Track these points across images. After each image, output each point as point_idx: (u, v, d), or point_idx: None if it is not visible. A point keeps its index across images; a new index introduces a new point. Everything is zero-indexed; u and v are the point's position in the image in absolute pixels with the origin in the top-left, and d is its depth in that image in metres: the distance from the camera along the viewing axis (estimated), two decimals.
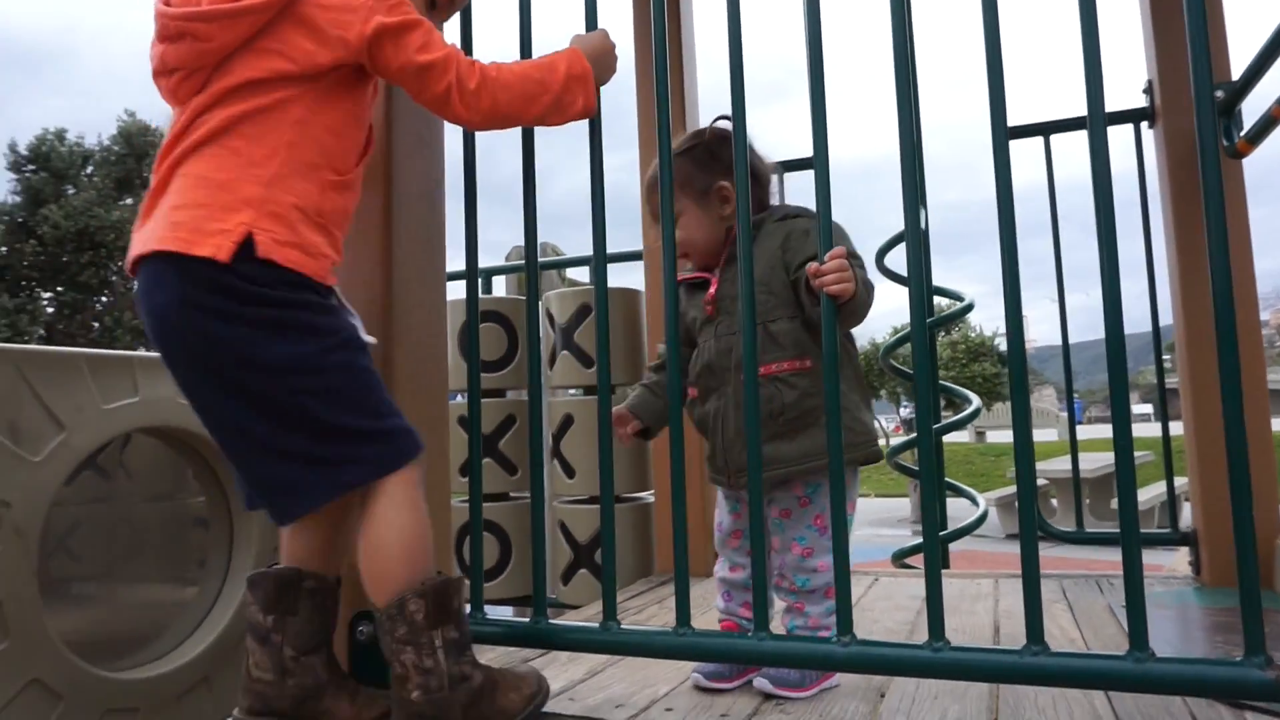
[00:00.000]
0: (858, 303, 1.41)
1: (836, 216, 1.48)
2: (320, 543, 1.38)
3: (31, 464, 1.84)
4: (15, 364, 1.84)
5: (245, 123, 1.26)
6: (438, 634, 1.27)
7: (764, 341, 1.56)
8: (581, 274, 4.27)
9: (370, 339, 1.38)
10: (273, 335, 1.23)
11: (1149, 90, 2.58)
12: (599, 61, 1.49)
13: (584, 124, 1.55)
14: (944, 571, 2.90)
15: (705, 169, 1.65)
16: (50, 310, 19.67)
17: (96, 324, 19.79)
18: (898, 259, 3.18)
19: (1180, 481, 2.80)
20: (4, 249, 19.05)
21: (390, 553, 1.28)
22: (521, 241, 1.63)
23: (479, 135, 1.63)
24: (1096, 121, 1.22)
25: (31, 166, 19.80)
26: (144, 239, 1.25)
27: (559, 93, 1.42)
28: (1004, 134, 1.27)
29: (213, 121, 1.27)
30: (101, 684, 1.93)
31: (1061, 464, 8.12)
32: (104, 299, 20.23)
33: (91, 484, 2.20)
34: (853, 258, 1.48)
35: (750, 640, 1.34)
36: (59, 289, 19.49)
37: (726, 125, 1.67)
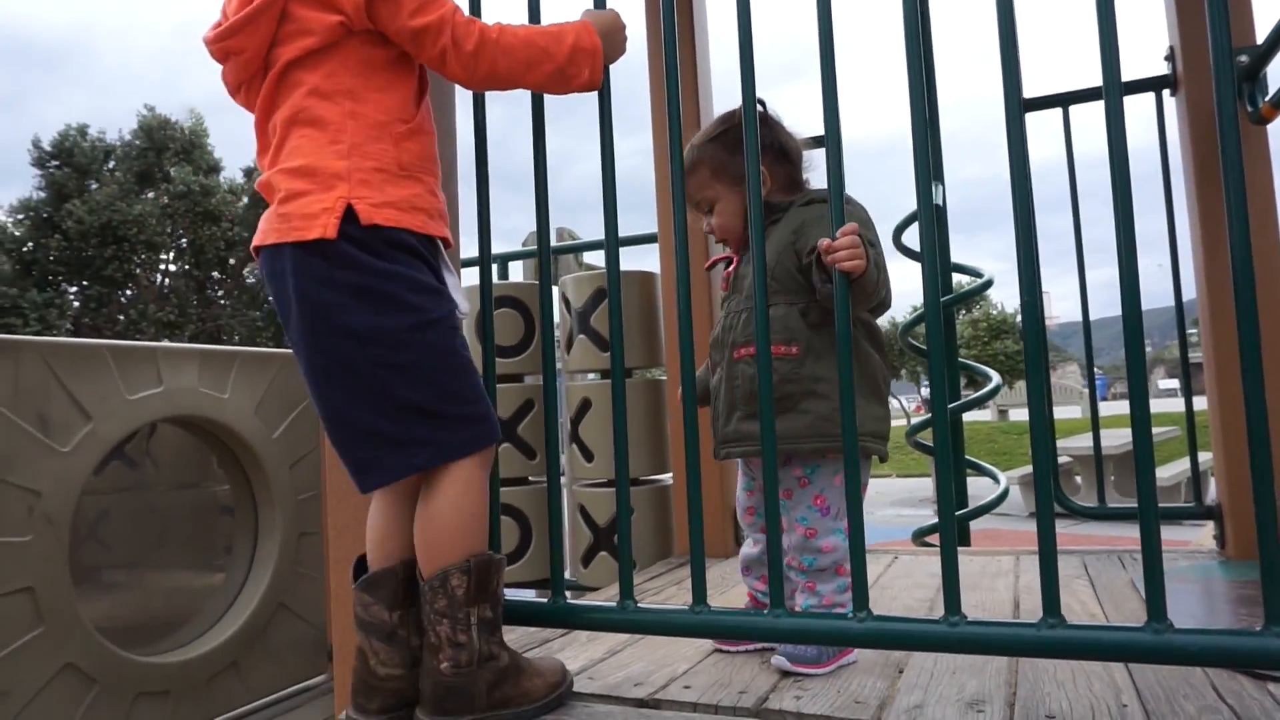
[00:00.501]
0: (867, 281, 1.40)
1: (854, 195, 1.47)
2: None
3: (61, 454, 1.88)
4: (42, 356, 1.87)
5: (307, 109, 1.32)
6: (474, 611, 1.30)
7: (757, 323, 1.58)
8: (599, 258, 4.27)
9: (464, 307, 1.40)
10: (364, 303, 1.27)
11: (1170, 57, 2.53)
12: (609, 39, 1.48)
13: (597, 108, 1.55)
14: (965, 549, 2.89)
15: (737, 153, 1.63)
16: (77, 304, 19.94)
17: (122, 316, 20.04)
18: (916, 236, 3.16)
19: (1205, 456, 2.77)
20: (31, 244, 19.30)
21: (445, 527, 1.31)
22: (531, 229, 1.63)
23: (494, 122, 1.64)
24: (1112, 89, 1.20)
25: (55, 162, 20.02)
26: (263, 232, 1.33)
27: (563, 63, 1.41)
28: (1018, 105, 1.25)
29: (283, 114, 1.33)
30: (133, 668, 1.98)
31: (1085, 441, 8.04)
32: (129, 292, 20.47)
33: (120, 473, 2.25)
34: (868, 243, 1.47)
35: (766, 617, 1.35)
36: (85, 283, 19.75)
37: (760, 108, 1.67)
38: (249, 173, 21.38)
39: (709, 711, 1.36)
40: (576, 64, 1.42)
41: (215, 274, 21.36)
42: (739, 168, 1.62)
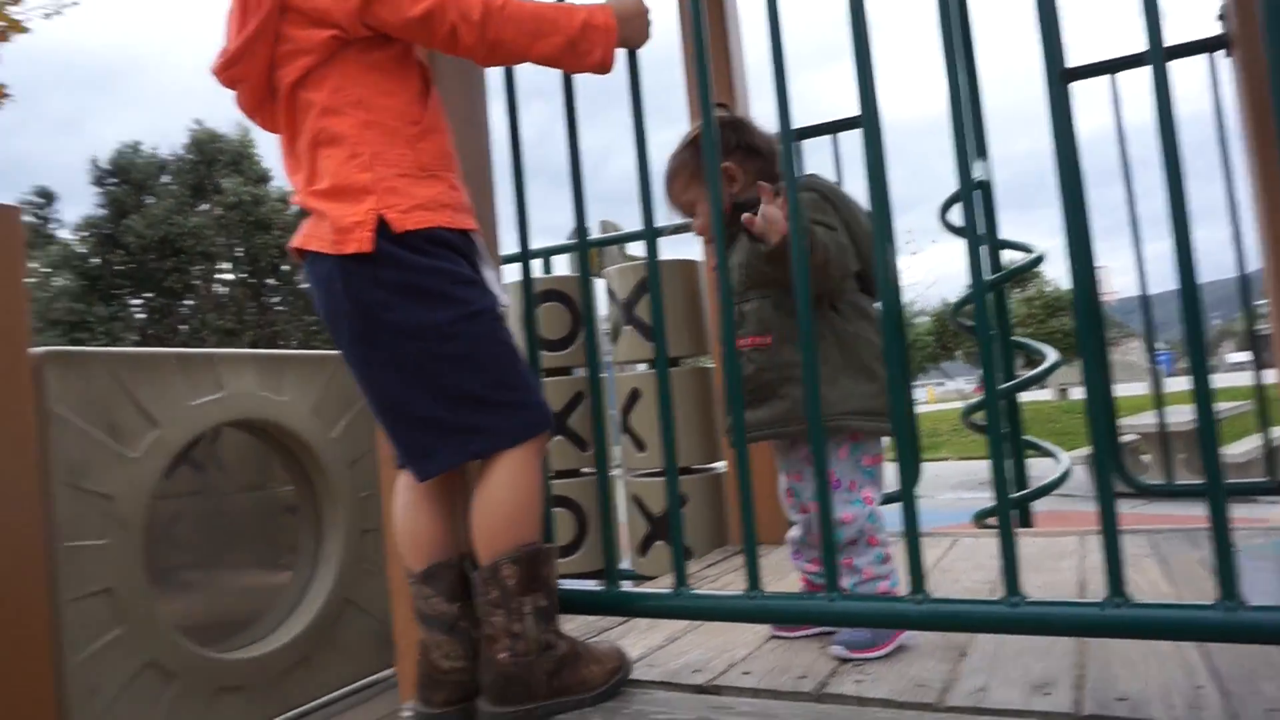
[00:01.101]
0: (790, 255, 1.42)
1: (899, 174, 1.46)
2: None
3: (131, 460, 1.94)
4: (110, 366, 1.94)
5: (323, 129, 1.34)
6: (528, 600, 1.32)
7: (736, 319, 1.66)
8: (642, 249, 4.29)
9: (504, 299, 1.43)
10: (410, 300, 1.30)
11: (1224, 16, 2.45)
12: (628, 23, 1.46)
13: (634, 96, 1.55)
14: (1028, 530, 2.84)
15: (724, 152, 1.67)
16: (141, 316, 20.58)
17: (184, 326, 20.63)
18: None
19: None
20: (97, 260, 19.97)
21: (497, 517, 1.33)
22: (571, 223, 1.64)
23: (533, 119, 1.65)
24: (1157, 52, 1.17)
25: (113, 180, 20.66)
26: (305, 236, 1.37)
27: (574, 37, 1.39)
28: (1059, 73, 1.23)
29: (304, 140, 1.37)
30: (211, 664, 2.05)
31: (1152, 418, 7.82)
32: (189, 302, 21.07)
33: (187, 477, 2.32)
34: (816, 222, 1.52)
35: (822, 601, 1.34)
36: (148, 295, 20.38)
37: (723, 112, 1.74)
38: None
39: (769, 697, 1.36)
40: (588, 40, 1.40)
41: (269, 280, 21.86)
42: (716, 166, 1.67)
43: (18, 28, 6.00)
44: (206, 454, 2.39)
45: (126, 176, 20.58)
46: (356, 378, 1.38)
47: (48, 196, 21.61)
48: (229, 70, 1.40)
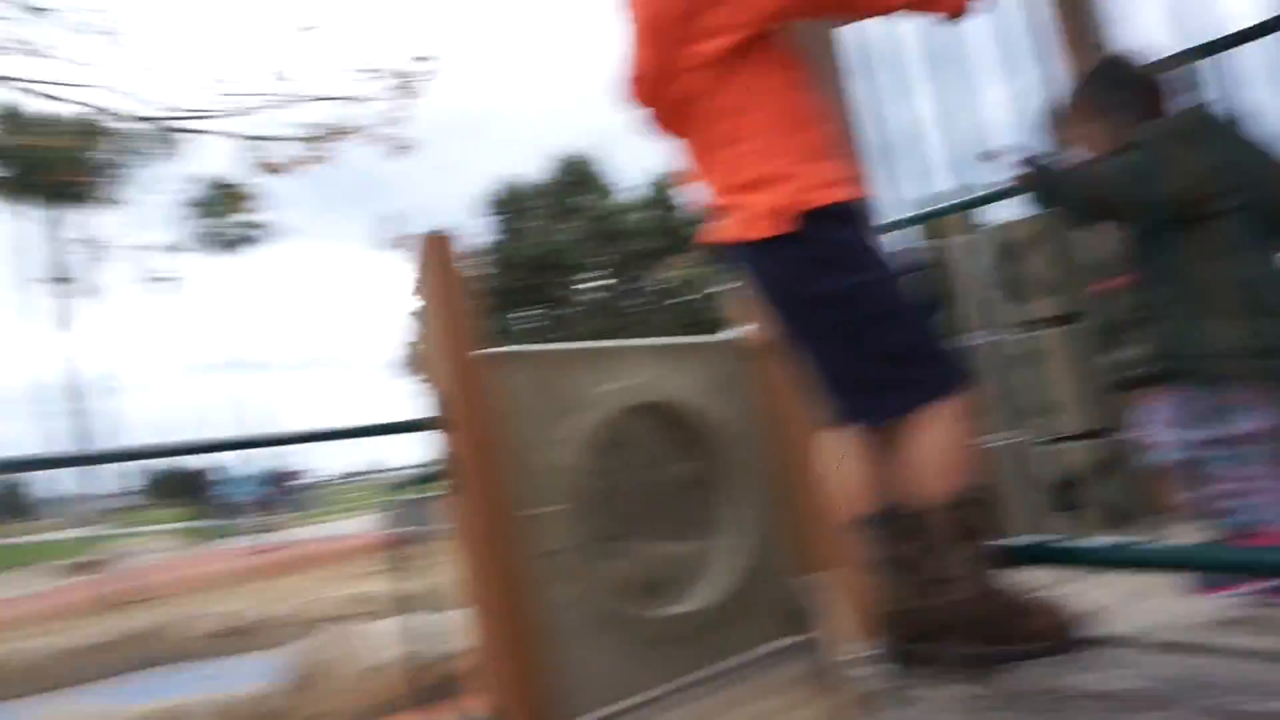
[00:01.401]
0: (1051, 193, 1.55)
1: None
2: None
3: (562, 441, 2.27)
4: (541, 362, 2.29)
5: (728, 131, 1.48)
6: (965, 546, 1.36)
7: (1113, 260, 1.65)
8: (984, 214, 4.05)
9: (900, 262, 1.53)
10: (823, 271, 1.42)
11: None
12: None
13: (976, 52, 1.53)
14: None
15: (1108, 91, 1.68)
16: (528, 326, 23.47)
17: (559, 332, 23.16)
18: None
19: None
20: (498, 281, 23.22)
21: (932, 466, 1.40)
22: (921, 192, 1.69)
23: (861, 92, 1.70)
24: None
25: (501, 209, 23.80)
26: (726, 229, 1.54)
27: None
28: None
29: (712, 141, 1.52)
30: (646, 621, 2.30)
31: None
32: (560, 310, 23.65)
33: (609, 455, 2.62)
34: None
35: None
36: (534, 306, 23.23)
37: (1103, 51, 1.77)
38: (651, 189, 23.43)
39: (1254, 659, 1.23)
40: None
41: (624, 286, 23.75)
42: (1104, 106, 1.68)
43: (412, 94, 7.20)
44: (623, 435, 2.67)
45: (510, 206, 23.59)
46: (792, 348, 1.51)
47: None
48: (648, 92, 1.57)
